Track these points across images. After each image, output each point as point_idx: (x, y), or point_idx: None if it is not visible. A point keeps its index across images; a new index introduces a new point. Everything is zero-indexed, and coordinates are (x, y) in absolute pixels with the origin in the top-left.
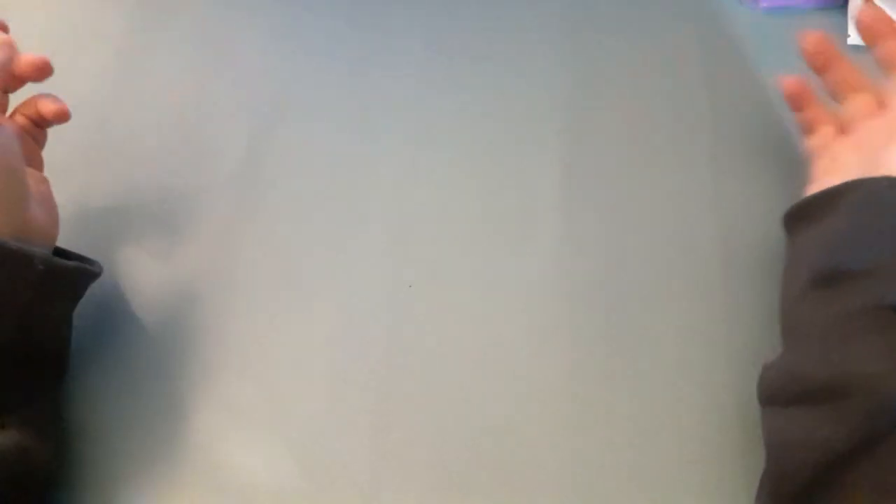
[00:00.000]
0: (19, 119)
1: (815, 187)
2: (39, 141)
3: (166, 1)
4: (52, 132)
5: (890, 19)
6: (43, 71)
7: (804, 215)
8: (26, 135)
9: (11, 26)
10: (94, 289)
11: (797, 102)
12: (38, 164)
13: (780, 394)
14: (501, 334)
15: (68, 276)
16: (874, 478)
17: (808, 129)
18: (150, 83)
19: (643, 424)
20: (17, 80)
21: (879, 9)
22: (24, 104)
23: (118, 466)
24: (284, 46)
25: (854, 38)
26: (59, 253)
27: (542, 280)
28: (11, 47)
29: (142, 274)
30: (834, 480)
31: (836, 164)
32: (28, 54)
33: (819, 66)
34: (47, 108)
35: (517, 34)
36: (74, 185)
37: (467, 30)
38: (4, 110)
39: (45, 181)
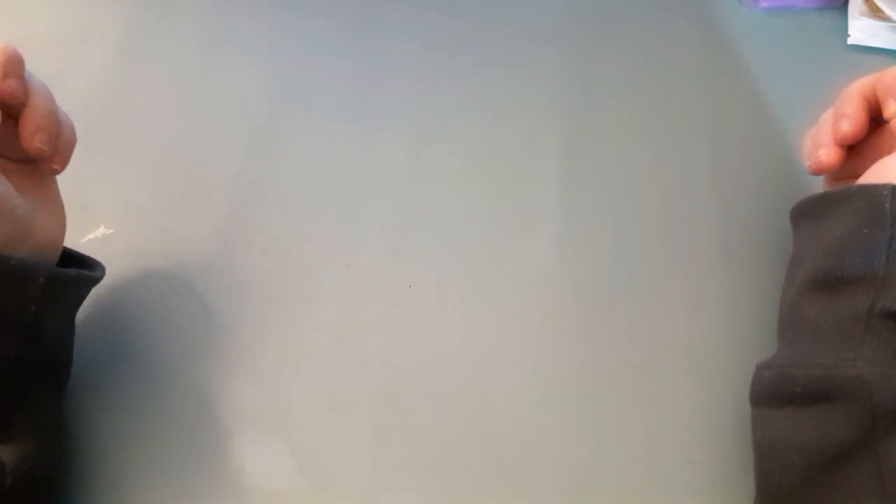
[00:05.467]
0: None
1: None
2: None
3: (167, 1)
4: None
5: None
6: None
7: (808, 212)
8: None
9: (13, 25)
10: (94, 290)
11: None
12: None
13: (771, 395)
14: (501, 334)
15: (70, 284)
16: (861, 482)
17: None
18: (151, 83)
19: (643, 425)
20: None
21: None
22: None
23: (117, 467)
24: (285, 46)
25: (854, 37)
26: (66, 254)
27: (542, 280)
28: None
29: (141, 274)
30: (820, 483)
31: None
32: None
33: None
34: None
35: (517, 33)
36: (74, 184)
37: (467, 30)
38: None
39: (51, 181)
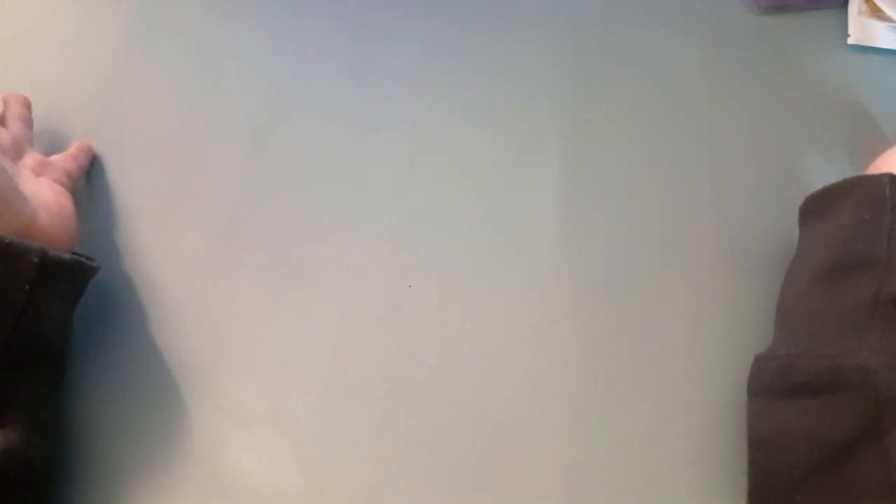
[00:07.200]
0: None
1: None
2: (69, 170)
3: (168, 1)
4: (53, 132)
5: None
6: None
7: (812, 209)
8: (59, 168)
9: (13, 26)
10: (93, 288)
11: None
12: (63, 183)
13: (774, 385)
14: (501, 334)
15: (65, 268)
16: (868, 473)
17: None
18: (152, 83)
19: (643, 424)
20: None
21: None
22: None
23: (118, 466)
24: (285, 47)
25: (854, 37)
26: None
27: (541, 280)
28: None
29: (141, 273)
30: (828, 475)
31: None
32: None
33: None
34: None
35: (518, 33)
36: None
37: (468, 31)
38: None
39: (64, 196)
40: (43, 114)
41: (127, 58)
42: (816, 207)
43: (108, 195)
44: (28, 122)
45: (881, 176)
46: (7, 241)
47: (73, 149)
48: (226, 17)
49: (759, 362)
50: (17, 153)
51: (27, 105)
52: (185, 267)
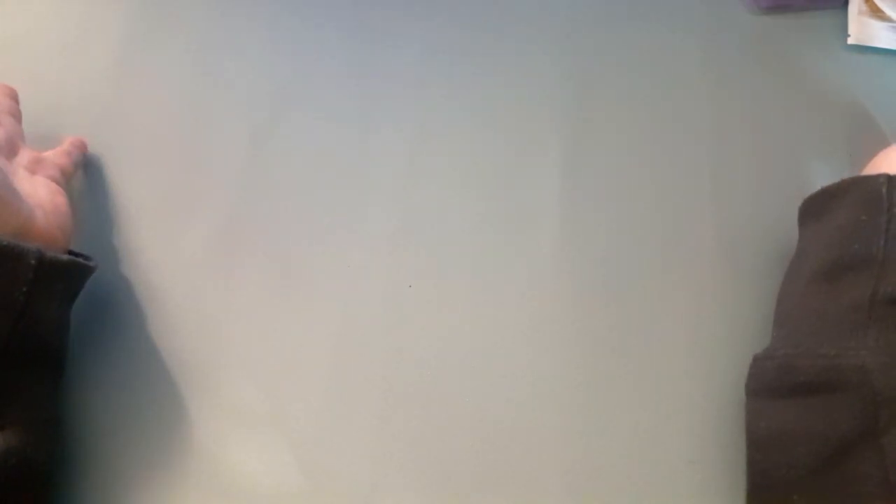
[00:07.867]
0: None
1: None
2: (63, 166)
3: (168, 1)
4: (54, 132)
5: None
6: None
7: (811, 210)
8: (53, 164)
9: (13, 26)
10: (93, 289)
11: None
12: (57, 180)
13: (772, 385)
14: (501, 334)
15: (62, 269)
16: (866, 472)
17: None
18: (152, 83)
19: (644, 424)
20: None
21: None
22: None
23: (117, 467)
24: (285, 47)
25: (854, 37)
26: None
27: (541, 280)
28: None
29: (141, 274)
30: (827, 474)
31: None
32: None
33: None
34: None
35: (518, 34)
36: (74, 183)
37: (468, 31)
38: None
39: (60, 194)
40: (43, 114)
41: (127, 58)
42: (814, 208)
43: (108, 195)
44: (18, 116)
45: (877, 176)
46: (5, 242)
47: (66, 144)
48: (226, 17)
49: (758, 362)
50: (10, 150)
51: (15, 97)
52: (185, 267)
